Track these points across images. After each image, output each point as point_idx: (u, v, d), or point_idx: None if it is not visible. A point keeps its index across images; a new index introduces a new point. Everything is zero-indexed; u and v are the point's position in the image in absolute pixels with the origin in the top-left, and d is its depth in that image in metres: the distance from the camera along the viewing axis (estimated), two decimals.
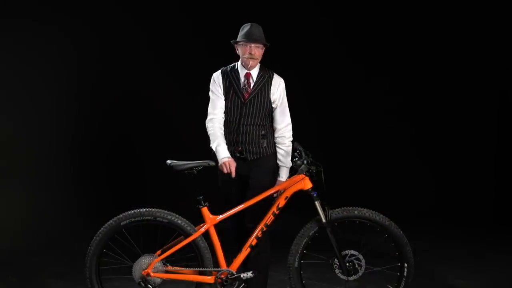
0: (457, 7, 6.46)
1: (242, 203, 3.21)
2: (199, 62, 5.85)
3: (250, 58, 3.33)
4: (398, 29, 6.70)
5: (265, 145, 3.40)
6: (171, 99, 6.23)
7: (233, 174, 3.26)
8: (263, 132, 3.40)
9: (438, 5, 6.55)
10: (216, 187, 3.50)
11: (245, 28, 3.35)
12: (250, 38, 3.30)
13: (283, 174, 3.43)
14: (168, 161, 3.15)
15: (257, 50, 3.34)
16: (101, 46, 5.82)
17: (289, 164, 3.38)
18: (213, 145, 3.34)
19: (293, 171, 3.32)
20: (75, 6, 5.58)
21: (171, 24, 6.23)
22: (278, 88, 3.41)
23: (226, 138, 3.37)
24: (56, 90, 5.53)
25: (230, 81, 3.41)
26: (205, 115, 3.44)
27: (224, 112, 3.42)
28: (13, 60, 5.22)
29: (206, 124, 3.42)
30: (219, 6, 6.26)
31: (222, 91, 3.41)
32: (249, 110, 3.36)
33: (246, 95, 3.37)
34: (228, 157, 3.28)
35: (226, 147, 3.33)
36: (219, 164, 3.27)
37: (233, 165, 3.26)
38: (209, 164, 3.15)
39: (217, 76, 3.46)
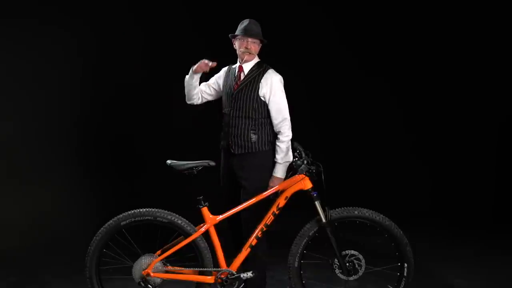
0: (464, 22, 6.50)
1: (234, 200, 3.26)
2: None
3: (246, 52, 3.42)
4: (399, 29, 6.69)
5: (254, 140, 3.38)
6: (172, 99, 6.21)
7: (208, 64, 3.41)
8: (253, 126, 3.39)
9: (446, 17, 6.57)
10: (216, 187, 3.51)
11: (243, 23, 3.45)
12: (247, 32, 3.41)
13: (277, 170, 3.37)
14: (168, 161, 3.15)
15: (253, 45, 3.43)
16: (104, 45, 5.81)
17: (282, 160, 3.35)
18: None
19: (293, 171, 3.31)
20: (76, 5, 5.57)
21: (173, 23, 6.22)
22: (268, 83, 3.39)
23: (221, 130, 3.52)
24: (57, 89, 5.52)
25: (228, 74, 3.55)
26: (207, 114, 3.46)
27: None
28: (13, 60, 5.22)
29: None
30: (221, 5, 6.26)
31: (221, 82, 3.61)
32: (237, 102, 3.41)
33: (235, 87, 3.44)
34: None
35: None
36: (196, 67, 3.44)
37: (203, 60, 3.41)
38: (209, 164, 3.15)
39: (223, 69, 3.64)
